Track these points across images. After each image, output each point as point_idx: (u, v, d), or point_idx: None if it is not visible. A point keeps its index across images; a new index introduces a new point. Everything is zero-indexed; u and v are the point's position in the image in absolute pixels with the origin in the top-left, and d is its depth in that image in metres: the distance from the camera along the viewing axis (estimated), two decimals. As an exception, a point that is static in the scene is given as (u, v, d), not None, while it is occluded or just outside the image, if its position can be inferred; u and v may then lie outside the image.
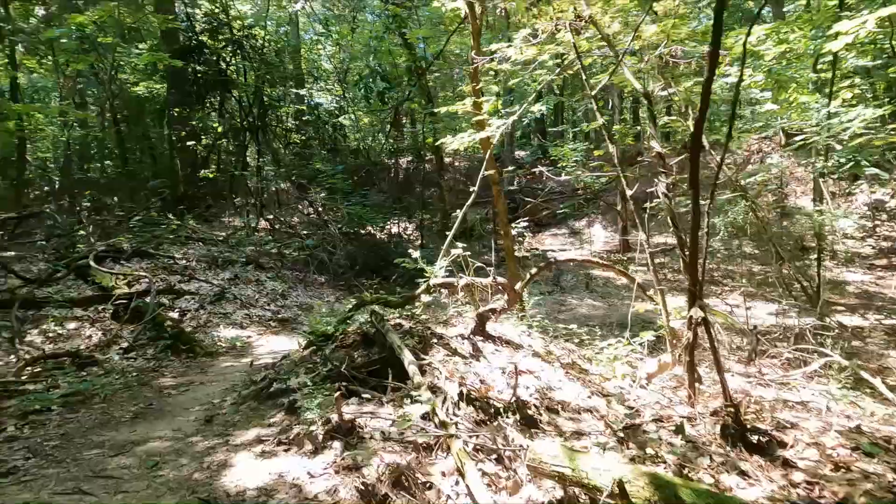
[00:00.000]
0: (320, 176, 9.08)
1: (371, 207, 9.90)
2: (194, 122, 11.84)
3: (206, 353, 5.33)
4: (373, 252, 9.03)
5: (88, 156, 13.96)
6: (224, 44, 10.18)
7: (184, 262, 7.59)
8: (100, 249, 7.35)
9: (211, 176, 12.59)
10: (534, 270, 4.31)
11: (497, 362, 3.66)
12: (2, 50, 12.42)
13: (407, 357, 3.35)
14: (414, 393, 2.82)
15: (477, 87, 5.64)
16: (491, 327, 4.25)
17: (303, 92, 11.19)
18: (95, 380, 4.43)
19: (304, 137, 11.61)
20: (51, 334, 5.58)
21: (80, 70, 10.29)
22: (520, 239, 16.12)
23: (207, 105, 11.06)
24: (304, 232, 8.84)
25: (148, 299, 5.97)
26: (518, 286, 4.16)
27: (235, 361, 4.92)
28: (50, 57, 11.36)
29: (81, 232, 8.81)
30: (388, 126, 11.82)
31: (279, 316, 6.80)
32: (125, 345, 5.43)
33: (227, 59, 10.41)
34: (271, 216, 9.70)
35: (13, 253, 7.82)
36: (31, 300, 5.89)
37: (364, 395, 3.27)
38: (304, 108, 11.77)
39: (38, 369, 4.80)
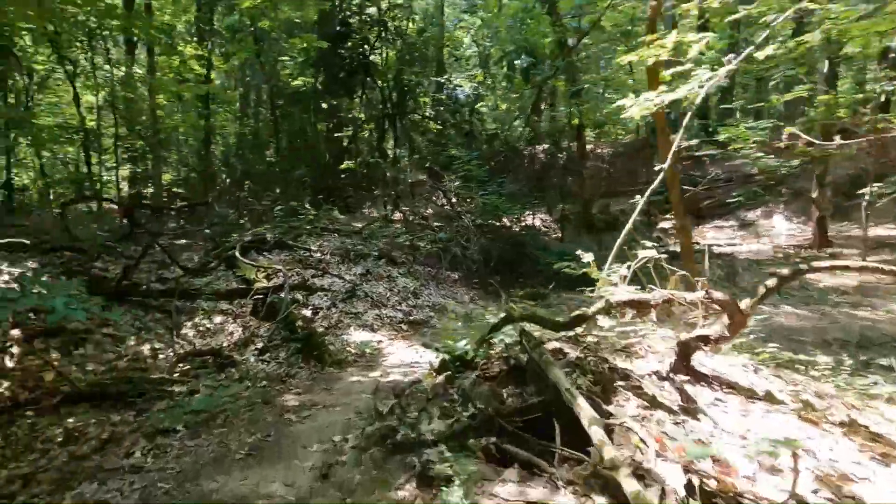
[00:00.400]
0: (455, 163, 8.34)
1: (507, 197, 8.95)
2: (341, 113, 11.97)
3: (335, 360, 4.83)
4: (509, 246, 8.05)
5: (254, 148, 15.21)
6: (370, 25, 10.00)
7: (319, 255, 7.38)
8: (246, 240, 7.45)
9: (352, 166, 12.70)
10: (771, 282, 2.90)
11: (725, 421, 2.40)
12: (202, 51, 13.97)
13: (584, 410, 2.27)
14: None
15: (654, 38, 4.30)
16: (697, 361, 2.97)
17: (442, 79, 10.65)
18: (230, 385, 4.17)
19: (440, 125, 11.08)
20: (200, 328, 5.57)
21: (244, 59, 10.87)
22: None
23: (353, 93, 11.06)
24: (437, 224, 8.19)
25: (283, 294, 5.73)
26: (745, 304, 2.81)
27: (363, 375, 4.30)
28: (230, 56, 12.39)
29: (241, 221, 9.25)
30: (530, 108, 10.71)
31: (411, 318, 6.16)
32: (260, 345, 5.20)
33: (372, 42, 10.21)
34: (406, 207, 9.27)
35: (184, 241, 8.35)
36: (188, 291, 6.01)
37: (522, 457, 2.29)
38: (443, 97, 11.23)
39: (187, 367, 4.73)
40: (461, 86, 12.17)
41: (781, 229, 15.30)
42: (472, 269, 7.62)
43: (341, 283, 6.60)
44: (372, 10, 10.35)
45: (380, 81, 10.41)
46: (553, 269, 8.49)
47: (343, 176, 13.41)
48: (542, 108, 11.04)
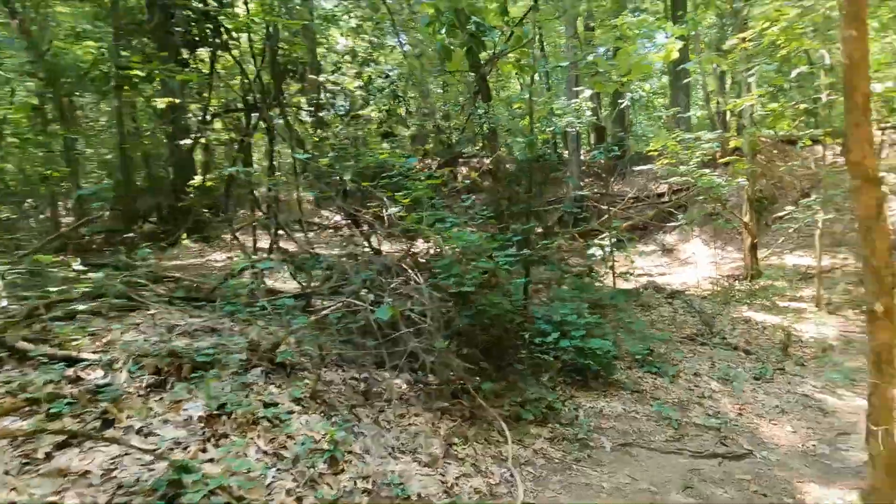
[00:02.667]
0: (386, 178, 4.76)
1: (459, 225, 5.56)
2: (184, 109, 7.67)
3: None
4: (480, 317, 4.66)
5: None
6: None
7: (102, 373, 3.27)
8: None
9: (200, 183, 8.48)
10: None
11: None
12: None
13: None
14: None
15: None
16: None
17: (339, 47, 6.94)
18: None
19: (344, 116, 7.38)
20: None
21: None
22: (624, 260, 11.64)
23: (192, 65, 6.86)
24: (362, 285, 4.48)
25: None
26: None
27: None
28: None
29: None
30: (472, 96, 7.56)
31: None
32: None
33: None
34: (301, 250, 5.45)
35: None
36: None
37: None
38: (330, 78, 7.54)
39: None
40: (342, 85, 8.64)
41: (702, 255, 14.12)
42: (432, 369, 4.09)
43: (139, 462, 2.63)
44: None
45: (237, 49, 6.51)
46: (546, 347, 5.33)
47: (190, 196, 9.00)
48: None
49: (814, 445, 4.23)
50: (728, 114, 15.87)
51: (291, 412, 3.33)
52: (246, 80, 6.63)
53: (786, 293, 9.16)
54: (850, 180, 2.76)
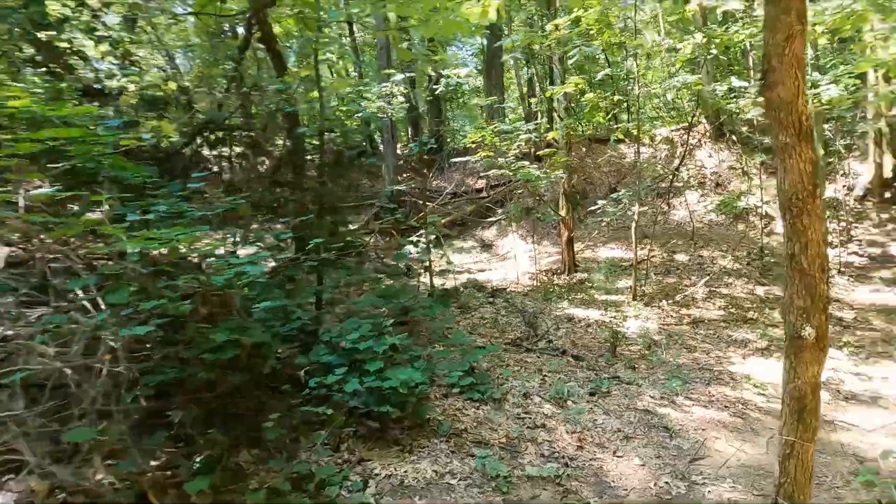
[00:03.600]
0: (29, 141, 2.57)
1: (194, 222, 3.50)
2: None
3: None
4: (214, 364, 2.82)
5: None
6: None
7: None
8: None
9: None
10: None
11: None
12: None
13: None
14: None
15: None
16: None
17: None
18: None
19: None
20: None
21: None
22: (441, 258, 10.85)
23: None
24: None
25: None
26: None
27: None
28: None
29: None
30: (239, 50, 5.41)
31: None
32: None
33: None
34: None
35: None
36: None
37: None
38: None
39: None
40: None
41: (520, 250, 14.16)
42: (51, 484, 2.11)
43: None
44: None
45: None
46: (329, 392, 3.44)
47: None
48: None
49: (667, 483, 3.37)
50: (539, 113, 16.28)
51: None
52: None
53: (602, 287, 9.09)
54: (776, 135, 1.67)
